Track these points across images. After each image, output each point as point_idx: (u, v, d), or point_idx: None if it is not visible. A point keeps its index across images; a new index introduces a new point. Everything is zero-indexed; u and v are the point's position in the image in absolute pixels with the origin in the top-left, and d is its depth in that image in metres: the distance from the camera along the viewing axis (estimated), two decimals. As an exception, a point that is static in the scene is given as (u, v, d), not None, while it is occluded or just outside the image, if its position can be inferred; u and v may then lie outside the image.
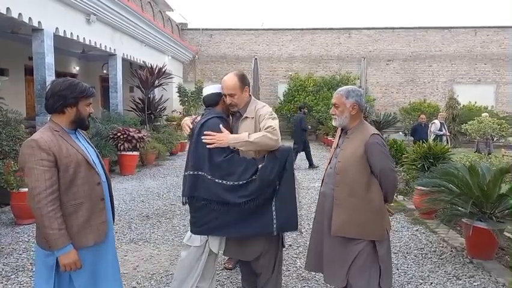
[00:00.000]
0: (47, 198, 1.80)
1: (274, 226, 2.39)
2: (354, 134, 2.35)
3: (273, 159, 2.37)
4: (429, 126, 10.56)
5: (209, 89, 2.63)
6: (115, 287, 2.10)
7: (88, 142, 2.10)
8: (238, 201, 2.31)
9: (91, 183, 1.96)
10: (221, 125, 2.42)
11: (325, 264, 2.37)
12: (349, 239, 2.28)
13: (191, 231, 2.49)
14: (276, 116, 2.51)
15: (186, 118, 2.68)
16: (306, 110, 11.78)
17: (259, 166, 2.35)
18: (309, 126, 11.47)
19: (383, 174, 2.24)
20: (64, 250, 1.84)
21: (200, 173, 2.38)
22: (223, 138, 2.35)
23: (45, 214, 1.79)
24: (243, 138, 2.33)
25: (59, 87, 1.93)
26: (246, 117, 2.51)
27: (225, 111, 2.62)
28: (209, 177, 2.34)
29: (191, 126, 2.55)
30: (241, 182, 2.32)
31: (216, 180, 2.33)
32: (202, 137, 2.37)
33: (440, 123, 10.59)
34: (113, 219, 2.18)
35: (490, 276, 3.38)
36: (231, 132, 2.46)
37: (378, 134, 2.31)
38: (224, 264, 3.51)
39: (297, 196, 2.51)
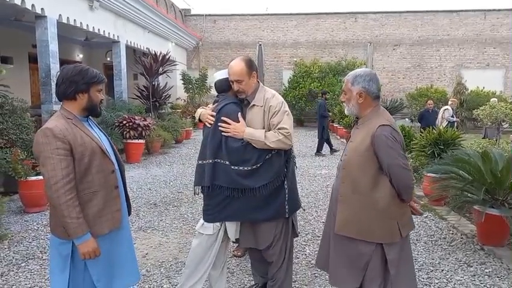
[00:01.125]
0: (64, 187, 1.78)
1: (287, 209, 2.41)
2: (364, 124, 2.10)
3: None
4: (442, 112, 10.29)
5: (221, 74, 2.57)
6: (131, 273, 2.11)
7: (100, 130, 2.08)
8: (257, 186, 2.30)
9: (105, 171, 1.94)
10: (239, 114, 2.38)
11: (330, 263, 2.20)
12: (352, 239, 2.07)
13: (204, 220, 2.46)
14: (288, 109, 2.45)
15: (202, 110, 2.57)
16: (328, 96, 11.72)
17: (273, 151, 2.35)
18: (330, 113, 11.41)
19: (392, 171, 1.97)
20: (83, 238, 1.83)
21: (218, 160, 2.36)
22: (239, 130, 2.32)
23: (64, 203, 1.78)
24: (258, 137, 2.31)
25: (70, 73, 1.91)
26: (254, 105, 2.43)
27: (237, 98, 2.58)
28: (227, 163, 2.33)
29: (213, 118, 2.44)
30: (256, 166, 2.31)
31: (233, 167, 2.32)
32: (219, 123, 2.35)
33: (452, 109, 10.40)
34: (130, 209, 2.19)
35: (502, 263, 3.34)
36: (244, 119, 2.42)
37: (388, 125, 2.00)
38: (233, 251, 3.51)
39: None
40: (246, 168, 2.31)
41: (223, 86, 2.53)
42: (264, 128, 2.38)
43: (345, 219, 2.09)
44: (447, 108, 10.31)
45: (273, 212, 2.38)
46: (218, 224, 2.44)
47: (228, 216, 2.40)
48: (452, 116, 10.21)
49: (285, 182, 2.42)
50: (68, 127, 1.86)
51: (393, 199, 2.03)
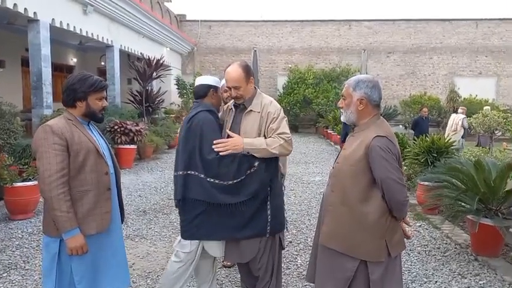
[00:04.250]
0: (57, 180, 1.84)
1: (268, 228, 2.29)
2: (360, 132, 1.98)
3: (267, 158, 2.27)
4: (461, 120, 9.99)
5: (200, 80, 2.51)
6: (117, 278, 2.07)
7: (100, 135, 2.14)
8: (234, 202, 2.19)
9: (99, 171, 1.99)
10: (227, 131, 2.31)
11: (316, 275, 2.10)
12: (336, 252, 1.97)
13: (181, 236, 2.35)
14: (284, 114, 2.39)
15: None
16: None
17: (256, 164, 2.23)
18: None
19: (385, 185, 1.86)
20: (71, 233, 1.87)
21: (191, 172, 2.24)
22: (237, 143, 2.22)
23: (55, 196, 1.84)
24: (259, 144, 2.22)
25: (71, 81, 2.00)
26: (251, 110, 2.36)
27: (215, 105, 2.49)
28: (202, 176, 2.21)
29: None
30: (235, 181, 2.20)
31: (209, 180, 2.20)
32: (213, 146, 2.23)
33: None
34: (123, 217, 2.20)
35: (496, 274, 3.30)
36: (221, 128, 2.36)
37: (384, 136, 1.88)
38: (222, 262, 3.42)
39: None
40: (223, 183, 2.19)
41: (200, 92, 2.46)
42: (259, 135, 2.31)
43: (331, 231, 1.99)
44: (465, 117, 10.13)
45: (252, 232, 2.26)
46: (196, 241, 2.33)
47: (204, 235, 2.27)
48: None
49: (269, 200, 2.28)
50: (67, 126, 1.95)
51: (384, 215, 1.92)
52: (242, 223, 2.23)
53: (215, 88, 2.50)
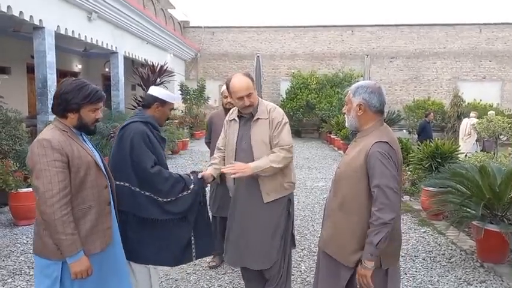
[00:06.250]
0: (60, 201, 1.69)
1: (194, 253, 2.34)
2: (361, 138, 1.96)
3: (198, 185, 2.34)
4: (474, 125, 9.95)
5: (152, 89, 2.45)
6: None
7: (92, 145, 2.00)
8: (161, 218, 2.20)
9: (100, 186, 1.87)
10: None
11: (314, 279, 2.09)
12: (333, 259, 1.95)
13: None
14: (287, 119, 2.47)
15: (212, 166, 2.56)
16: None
17: (191, 187, 2.27)
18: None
19: (379, 193, 1.76)
20: (77, 256, 1.73)
21: (122, 183, 2.19)
22: (244, 168, 2.26)
23: (59, 219, 1.68)
24: (265, 164, 2.28)
25: (63, 89, 1.82)
26: (259, 118, 2.41)
27: (156, 118, 2.41)
28: (135, 189, 2.20)
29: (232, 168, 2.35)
30: (167, 200, 2.21)
31: (142, 192, 2.20)
32: (223, 169, 2.33)
33: None
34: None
35: (502, 281, 3.26)
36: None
37: (385, 142, 1.83)
38: (208, 263, 3.47)
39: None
40: (156, 198, 2.19)
41: (145, 101, 2.42)
42: (269, 139, 2.37)
43: (328, 236, 2.00)
44: (478, 121, 10.10)
45: (176, 256, 2.28)
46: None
47: (128, 251, 2.18)
48: None
49: (194, 226, 2.30)
50: (65, 139, 1.79)
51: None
52: (166, 244, 2.25)
53: (161, 102, 2.39)
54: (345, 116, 2.06)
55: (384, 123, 2.00)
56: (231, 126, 2.54)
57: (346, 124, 2.08)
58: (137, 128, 2.26)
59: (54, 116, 1.89)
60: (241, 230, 2.43)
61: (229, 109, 3.33)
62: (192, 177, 2.36)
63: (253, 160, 2.34)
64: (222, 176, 3.24)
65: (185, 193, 2.25)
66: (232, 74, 2.47)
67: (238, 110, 2.50)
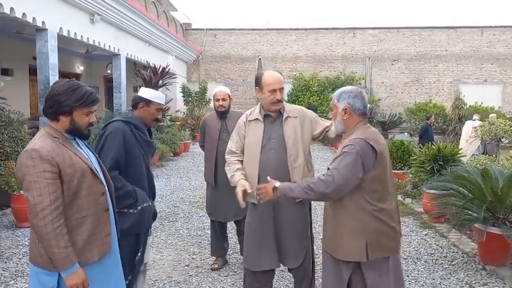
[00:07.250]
0: (52, 214, 1.61)
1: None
2: (345, 139, 2.07)
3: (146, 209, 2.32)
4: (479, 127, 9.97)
5: (141, 90, 2.45)
6: None
7: (88, 148, 1.90)
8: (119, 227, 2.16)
9: (96, 193, 1.78)
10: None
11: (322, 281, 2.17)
12: (334, 258, 2.03)
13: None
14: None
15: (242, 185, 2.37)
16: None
17: (139, 207, 2.22)
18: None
19: (328, 173, 1.92)
20: (72, 269, 1.66)
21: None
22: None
23: (51, 232, 1.61)
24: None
25: (55, 91, 1.72)
26: (288, 116, 2.44)
27: (142, 118, 2.38)
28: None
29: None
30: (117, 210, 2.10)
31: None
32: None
33: None
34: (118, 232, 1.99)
35: (505, 284, 3.26)
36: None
37: (362, 139, 1.94)
38: (211, 266, 3.48)
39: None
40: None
41: (132, 102, 2.42)
42: (300, 138, 2.40)
43: (326, 235, 2.10)
44: (482, 123, 10.07)
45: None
46: None
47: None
48: None
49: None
50: (56, 147, 1.69)
51: (362, 216, 1.94)
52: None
53: (146, 102, 2.37)
54: (332, 120, 2.19)
55: (368, 124, 2.12)
56: (252, 127, 2.46)
57: (333, 128, 2.23)
58: (114, 127, 2.25)
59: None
60: (276, 230, 2.43)
61: (221, 112, 3.37)
62: (150, 202, 2.34)
63: (286, 158, 2.37)
64: (217, 179, 3.28)
65: (129, 210, 2.21)
66: (264, 70, 2.49)
67: (261, 110, 2.45)
